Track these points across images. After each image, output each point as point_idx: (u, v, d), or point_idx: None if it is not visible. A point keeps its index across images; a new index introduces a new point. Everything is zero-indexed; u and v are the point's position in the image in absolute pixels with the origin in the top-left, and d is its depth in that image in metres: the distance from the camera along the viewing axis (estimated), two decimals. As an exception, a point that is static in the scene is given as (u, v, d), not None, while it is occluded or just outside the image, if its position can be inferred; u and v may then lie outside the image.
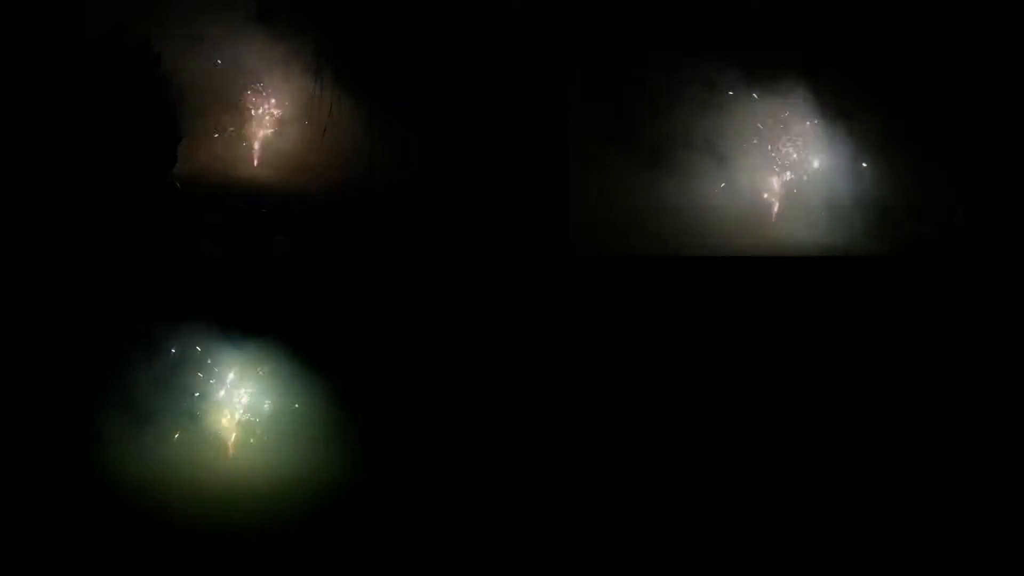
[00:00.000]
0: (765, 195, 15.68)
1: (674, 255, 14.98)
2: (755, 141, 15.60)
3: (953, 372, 13.81)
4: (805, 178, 15.52)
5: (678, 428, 14.30)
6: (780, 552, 13.12)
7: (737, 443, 14.07)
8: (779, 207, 15.61)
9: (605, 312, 14.90)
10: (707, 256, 15.04)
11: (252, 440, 15.18)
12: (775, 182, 15.65)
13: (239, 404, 15.25)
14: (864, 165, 15.08)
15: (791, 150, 15.46)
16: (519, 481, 14.18)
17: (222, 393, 15.20)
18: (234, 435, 15.16)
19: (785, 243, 15.25)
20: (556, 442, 14.42)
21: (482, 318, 15.14)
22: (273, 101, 16.96)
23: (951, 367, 13.83)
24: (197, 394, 15.02)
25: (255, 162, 17.08)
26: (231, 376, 15.11)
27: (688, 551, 13.31)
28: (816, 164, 15.38)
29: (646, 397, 14.48)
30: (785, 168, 15.57)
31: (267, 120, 16.99)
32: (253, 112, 16.93)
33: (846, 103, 15.07)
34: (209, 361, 15.09)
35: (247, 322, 15.06)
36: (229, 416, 15.21)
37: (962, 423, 13.63)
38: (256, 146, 17.06)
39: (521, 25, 16.19)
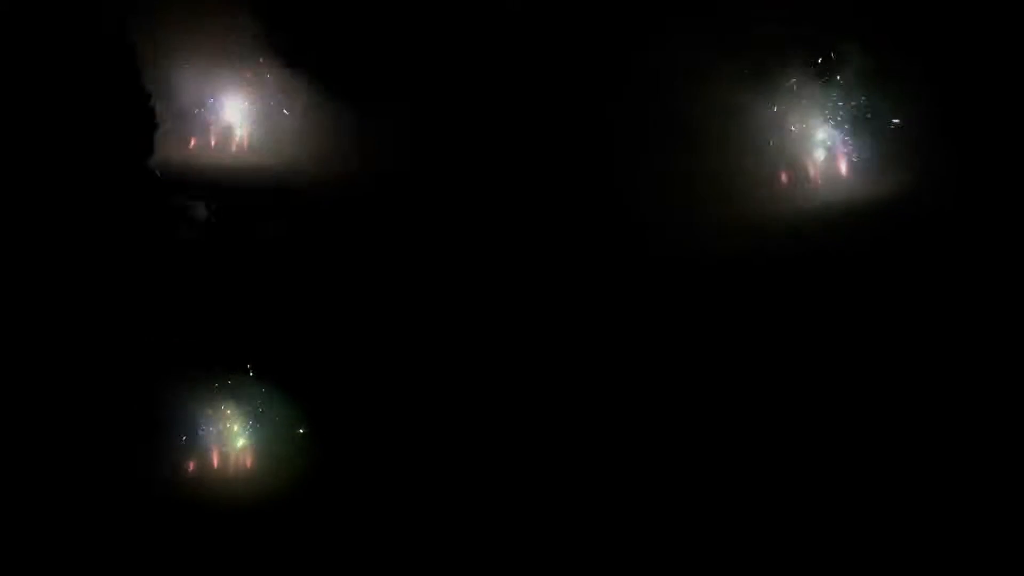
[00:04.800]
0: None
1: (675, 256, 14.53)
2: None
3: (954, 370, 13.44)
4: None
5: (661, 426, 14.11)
6: (780, 550, 12.97)
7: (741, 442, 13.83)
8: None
9: (603, 311, 14.68)
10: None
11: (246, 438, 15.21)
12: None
13: (228, 403, 15.28)
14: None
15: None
16: (512, 478, 14.05)
17: (211, 391, 15.19)
18: (226, 433, 15.18)
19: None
20: (546, 438, 14.26)
21: (475, 313, 14.97)
22: (253, 88, 16.76)
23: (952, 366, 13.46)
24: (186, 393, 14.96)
25: (236, 149, 16.84)
26: (219, 374, 15.12)
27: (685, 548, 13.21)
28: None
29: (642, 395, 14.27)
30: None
31: (248, 108, 16.77)
32: (235, 100, 16.73)
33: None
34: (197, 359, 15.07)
35: (232, 316, 15.06)
36: (220, 415, 15.24)
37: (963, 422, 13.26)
38: (237, 133, 16.81)
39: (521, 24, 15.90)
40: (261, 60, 16.57)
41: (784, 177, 14.36)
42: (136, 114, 15.38)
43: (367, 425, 14.78)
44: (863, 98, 14.02)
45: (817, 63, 14.11)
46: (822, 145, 14.37)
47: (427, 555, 13.50)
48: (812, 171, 14.34)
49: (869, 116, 13.96)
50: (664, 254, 14.31)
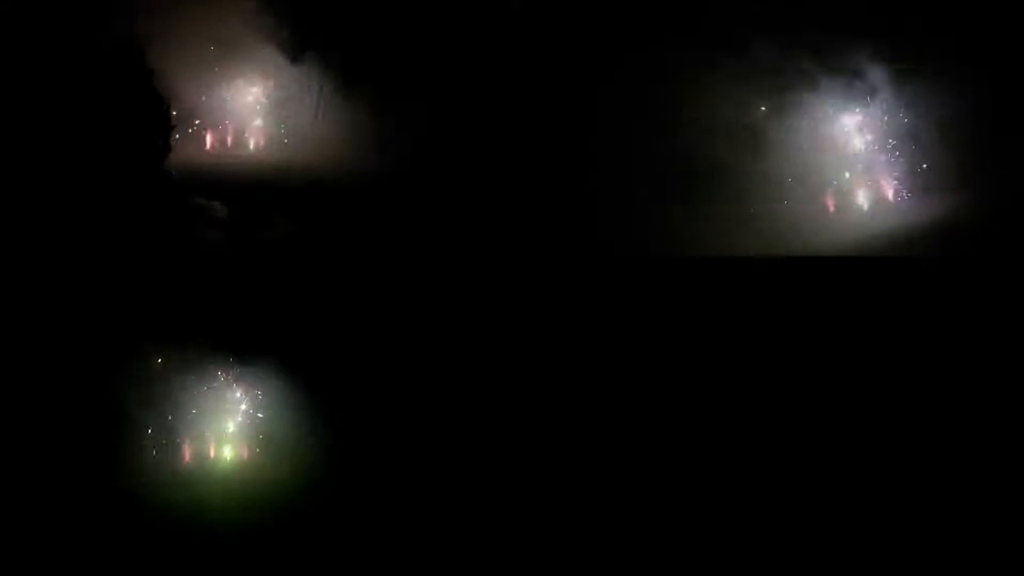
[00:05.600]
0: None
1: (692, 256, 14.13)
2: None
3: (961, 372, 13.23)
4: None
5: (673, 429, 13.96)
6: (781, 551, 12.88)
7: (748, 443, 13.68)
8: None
9: (610, 310, 14.35)
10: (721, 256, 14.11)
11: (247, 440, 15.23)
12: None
13: (234, 404, 15.25)
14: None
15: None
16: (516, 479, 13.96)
17: (218, 392, 15.19)
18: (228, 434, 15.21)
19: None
20: (551, 440, 14.11)
21: (479, 310, 14.65)
22: (265, 86, 16.53)
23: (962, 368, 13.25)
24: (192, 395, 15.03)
25: (249, 147, 16.64)
26: (226, 375, 15.12)
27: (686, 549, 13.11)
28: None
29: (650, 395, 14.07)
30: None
31: (260, 106, 16.58)
32: (245, 98, 16.52)
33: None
34: (207, 360, 15.06)
35: (244, 317, 14.82)
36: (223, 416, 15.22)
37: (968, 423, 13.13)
38: (248, 132, 16.65)
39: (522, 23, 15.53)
40: (274, 59, 16.32)
41: (830, 205, 14.05)
42: (151, 116, 15.08)
43: (377, 425, 14.71)
44: (906, 119, 13.67)
45: (860, 84, 13.72)
46: (865, 167, 14.05)
47: (427, 554, 13.41)
48: (858, 195, 14.06)
49: (913, 137, 13.63)
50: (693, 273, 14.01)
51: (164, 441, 14.93)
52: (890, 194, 13.81)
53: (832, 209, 13.97)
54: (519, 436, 14.13)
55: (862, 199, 13.96)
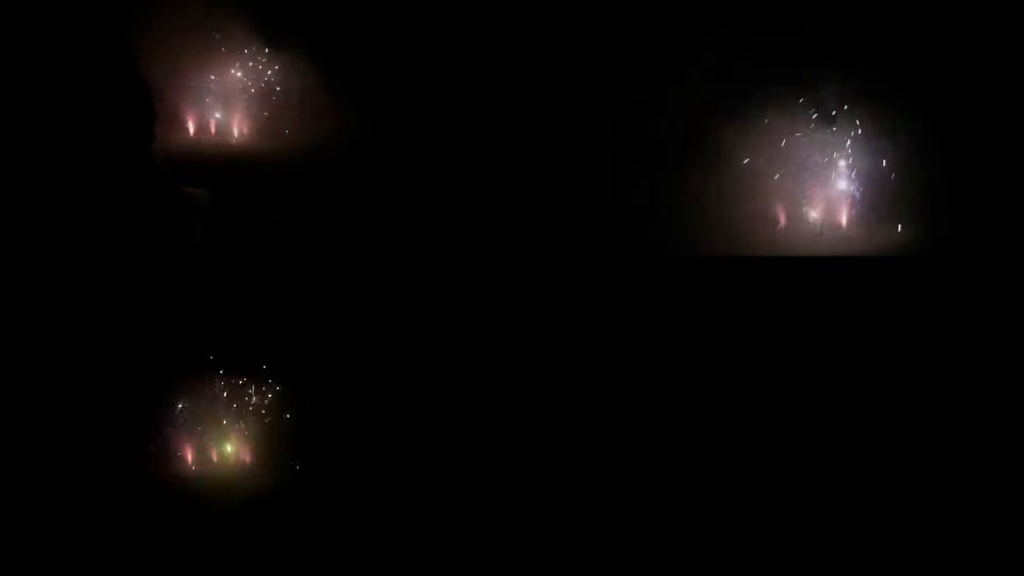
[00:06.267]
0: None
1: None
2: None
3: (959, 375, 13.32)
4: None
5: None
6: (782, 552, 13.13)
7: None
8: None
9: (613, 310, 14.50)
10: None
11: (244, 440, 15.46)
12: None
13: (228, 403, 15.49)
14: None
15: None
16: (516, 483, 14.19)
17: (211, 392, 15.41)
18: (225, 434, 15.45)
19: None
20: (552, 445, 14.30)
21: (478, 309, 14.81)
22: (251, 74, 16.46)
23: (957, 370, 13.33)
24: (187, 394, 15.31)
25: (234, 136, 16.65)
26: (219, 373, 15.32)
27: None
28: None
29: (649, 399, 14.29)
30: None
31: (245, 94, 16.51)
32: (230, 86, 16.45)
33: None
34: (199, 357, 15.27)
35: (239, 314, 15.07)
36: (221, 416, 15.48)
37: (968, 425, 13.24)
38: (233, 120, 16.64)
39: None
40: (259, 46, 16.30)
41: (782, 218, 13.96)
42: (134, 104, 15.23)
43: (376, 423, 14.98)
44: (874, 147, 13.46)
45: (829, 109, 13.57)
46: (828, 190, 13.90)
47: (424, 555, 13.72)
48: (814, 215, 13.92)
49: (880, 166, 13.45)
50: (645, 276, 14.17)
51: (159, 443, 15.29)
52: (843, 217, 13.75)
53: (783, 223, 13.92)
54: (515, 435, 14.32)
55: (815, 216, 13.90)
